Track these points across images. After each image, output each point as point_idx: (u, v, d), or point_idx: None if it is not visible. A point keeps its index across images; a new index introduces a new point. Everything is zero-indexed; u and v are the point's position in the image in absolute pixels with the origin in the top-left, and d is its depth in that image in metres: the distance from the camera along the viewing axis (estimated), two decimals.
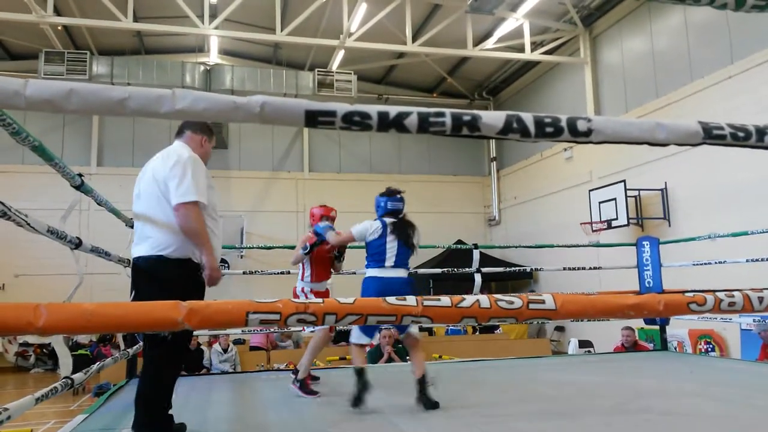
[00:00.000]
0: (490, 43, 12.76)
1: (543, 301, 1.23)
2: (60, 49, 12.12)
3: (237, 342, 10.62)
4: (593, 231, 11.26)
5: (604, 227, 10.99)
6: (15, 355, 12.55)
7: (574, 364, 5.89)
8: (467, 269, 6.73)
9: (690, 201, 9.74)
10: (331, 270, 4.77)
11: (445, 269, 7.72)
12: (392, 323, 1.21)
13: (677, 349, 9.08)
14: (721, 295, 1.31)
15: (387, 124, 1.16)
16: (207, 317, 1.10)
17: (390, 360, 7.23)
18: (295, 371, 4.27)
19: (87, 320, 1.05)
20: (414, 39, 12.39)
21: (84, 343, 12.06)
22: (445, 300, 1.20)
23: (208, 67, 13.24)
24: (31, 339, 12.20)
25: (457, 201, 16.54)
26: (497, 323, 7.42)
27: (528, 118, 1.21)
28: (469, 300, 1.20)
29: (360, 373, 3.64)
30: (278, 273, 6.52)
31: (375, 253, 3.84)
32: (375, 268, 3.81)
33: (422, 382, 3.59)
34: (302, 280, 4.61)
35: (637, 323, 8.22)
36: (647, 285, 6.50)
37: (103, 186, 5.00)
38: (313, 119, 1.12)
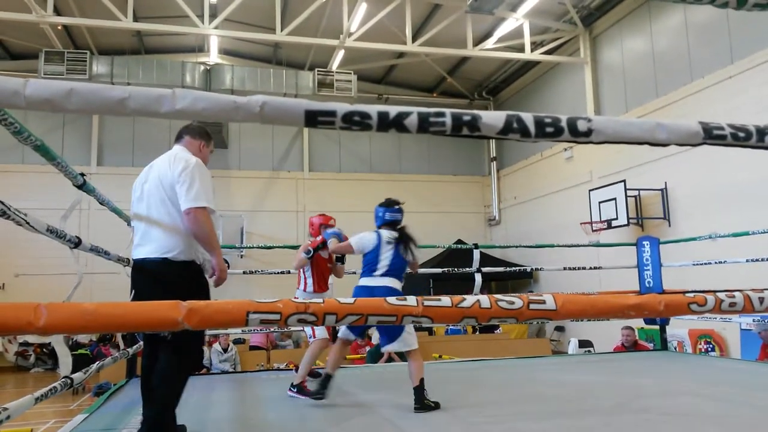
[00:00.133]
0: (490, 43, 12.76)
1: (543, 302, 1.23)
2: (60, 48, 12.11)
3: (237, 342, 10.63)
4: (593, 231, 11.26)
5: (604, 227, 10.99)
6: (15, 354, 12.55)
7: (574, 364, 5.90)
8: (467, 269, 6.73)
9: (690, 201, 9.74)
10: (331, 276, 4.75)
11: (446, 269, 7.72)
12: (392, 323, 1.20)
13: (677, 348, 9.08)
14: (721, 295, 1.31)
15: (387, 124, 1.16)
16: (207, 317, 1.10)
17: (390, 360, 7.24)
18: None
19: (87, 320, 1.05)
20: (414, 39, 12.39)
21: (84, 343, 12.06)
22: (446, 300, 1.20)
23: (208, 67, 13.24)
24: (31, 339, 12.20)
25: (457, 201, 16.54)
26: (497, 323, 7.35)
27: (528, 118, 1.21)
28: (469, 300, 1.20)
29: (327, 377, 3.79)
30: (278, 273, 6.52)
31: (368, 263, 3.89)
32: (365, 277, 3.87)
33: (418, 391, 3.57)
34: (304, 290, 4.57)
35: (637, 323, 8.22)
36: (647, 285, 6.50)
37: (103, 185, 4.99)
38: (313, 119, 1.12)
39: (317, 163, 15.97)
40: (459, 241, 13.64)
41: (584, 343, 10.14)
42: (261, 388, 4.70)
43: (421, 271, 10.59)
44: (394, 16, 11.96)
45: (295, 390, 4.06)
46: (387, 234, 3.91)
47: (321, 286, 4.57)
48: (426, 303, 1.19)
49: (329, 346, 4.23)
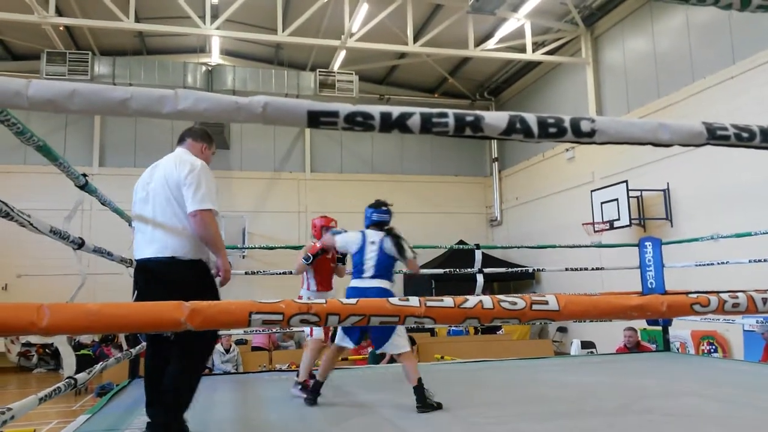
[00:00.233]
0: (491, 43, 12.75)
1: (546, 302, 1.22)
2: (62, 49, 12.13)
3: (239, 342, 10.63)
4: (595, 231, 11.25)
5: (607, 228, 10.98)
6: (18, 355, 12.57)
7: (576, 365, 5.89)
8: (469, 270, 6.72)
9: (692, 201, 9.73)
10: (334, 276, 4.80)
11: (447, 270, 7.72)
12: (395, 324, 1.20)
13: (680, 350, 9.06)
14: (724, 296, 1.31)
15: (390, 124, 1.16)
16: (210, 317, 1.10)
17: (392, 361, 7.23)
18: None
19: (90, 320, 1.05)
20: (415, 39, 12.39)
21: (86, 344, 12.08)
22: (448, 301, 1.20)
23: (210, 68, 13.25)
24: (34, 339, 12.22)
25: (458, 201, 16.53)
26: (500, 324, 7.37)
27: (531, 118, 1.20)
28: (472, 301, 1.20)
29: (318, 385, 3.83)
30: (280, 273, 6.52)
31: (356, 264, 3.95)
32: (355, 278, 3.91)
33: (418, 390, 3.57)
34: (308, 289, 4.63)
35: (640, 324, 8.21)
36: (650, 286, 6.49)
37: (105, 186, 5.00)
38: (316, 120, 1.12)
39: (319, 164, 15.98)
40: (461, 242, 13.64)
41: (587, 344, 10.13)
42: (263, 388, 4.71)
43: (423, 271, 10.60)
44: (396, 17, 11.96)
45: (300, 388, 4.09)
46: (372, 234, 3.95)
47: (324, 285, 4.63)
48: (428, 303, 1.19)
49: (328, 346, 4.25)
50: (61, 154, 2.85)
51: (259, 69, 13.79)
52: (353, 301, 1.18)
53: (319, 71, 13.24)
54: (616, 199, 10.71)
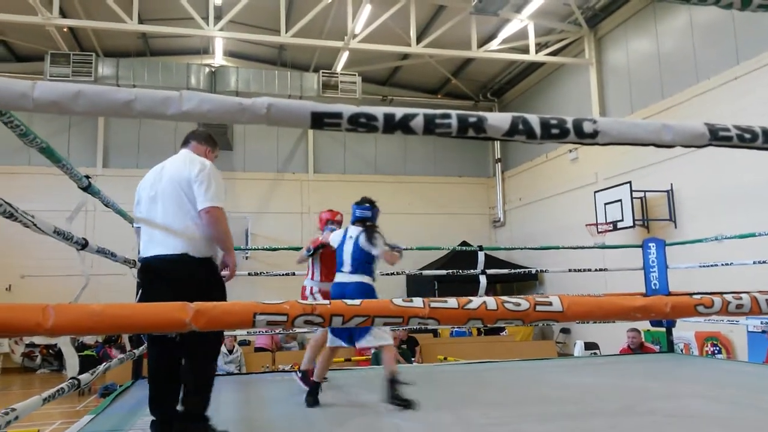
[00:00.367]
0: (494, 44, 12.74)
1: (550, 303, 1.22)
2: (65, 51, 12.17)
3: (242, 343, 10.63)
4: (599, 233, 11.23)
5: (610, 229, 10.96)
6: (21, 356, 12.61)
7: (579, 366, 5.88)
8: (472, 271, 6.72)
9: (696, 202, 9.70)
10: None
11: (450, 271, 7.71)
12: (398, 325, 1.21)
13: (684, 351, 9.04)
14: (728, 297, 1.30)
15: (393, 125, 1.16)
16: (214, 318, 1.10)
17: (395, 362, 7.21)
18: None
19: (95, 321, 1.05)
20: (418, 40, 12.39)
21: (90, 344, 12.11)
22: (452, 301, 1.20)
23: (213, 69, 13.28)
24: (38, 340, 12.25)
25: (461, 202, 16.52)
26: (503, 325, 7.34)
27: (534, 119, 1.21)
28: (476, 302, 1.20)
29: (317, 386, 3.86)
30: (283, 274, 6.53)
31: (338, 259, 4.08)
32: (338, 273, 4.04)
33: (391, 384, 3.62)
34: (312, 279, 4.76)
35: (644, 325, 8.18)
36: (653, 287, 6.47)
37: (109, 187, 5.01)
38: (320, 121, 1.12)
39: (322, 165, 15.99)
40: (464, 243, 13.65)
41: (590, 346, 10.10)
42: (266, 389, 4.71)
43: (426, 272, 10.59)
44: (399, 18, 11.97)
45: (300, 375, 4.16)
46: (353, 230, 4.06)
47: (328, 276, 4.71)
48: (432, 304, 1.19)
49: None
50: (64, 155, 2.86)
51: (262, 70, 13.82)
52: (357, 302, 1.18)
53: (322, 72, 13.26)
54: (620, 200, 10.70)
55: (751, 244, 6.54)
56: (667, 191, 10.20)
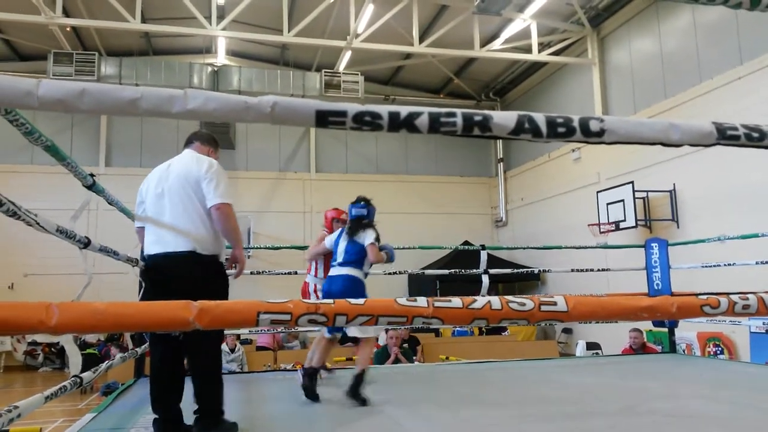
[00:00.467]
0: (497, 43, 12.73)
1: (555, 303, 1.22)
2: (68, 50, 12.19)
3: (244, 342, 10.64)
4: (601, 233, 11.21)
5: (612, 229, 10.95)
6: (24, 354, 12.64)
7: (581, 366, 5.87)
8: (474, 270, 6.71)
9: (699, 202, 9.69)
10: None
11: (452, 270, 7.70)
12: (402, 324, 1.20)
13: (686, 351, 9.02)
14: (735, 297, 1.30)
15: (398, 124, 1.15)
16: (218, 317, 1.10)
17: (397, 361, 7.23)
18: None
19: (98, 319, 1.05)
20: (421, 40, 12.38)
21: (92, 342, 12.12)
22: (456, 301, 1.20)
23: (216, 68, 13.28)
24: (40, 338, 12.28)
25: (463, 202, 16.51)
26: (506, 325, 7.36)
27: (540, 118, 1.20)
28: (480, 301, 1.20)
29: (313, 371, 3.97)
30: (286, 273, 6.53)
31: (333, 256, 4.22)
32: (331, 267, 4.18)
33: (357, 378, 3.71)
34: (315, 276, 4.82)
35: (646, 325, 8.18)
36: (656, 287, 6.46)
37: (112, 186, 5.01)
38: (324, 119, 1.12)
39: (324, 164, 15.99)
40: (466, 243, 13.63)
41: (592, 346, 10.10)
42: (268, 388, 4.71)
43: (428, 272, 10.59)
44: (401, 17, 11.96)
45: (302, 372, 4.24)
46: (347, 227, 4.20)
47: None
48: (437, 304, 1.19)
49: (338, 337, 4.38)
50: (67, 154, 2.86)
51: (264, 69, 13.82)
52: (361, 301, 1.18)
53: (325, 72, 13.26)
54: (622, 200, 10.68)
55: (754, 244, 6.53)
56: (670, 191, 10.19)
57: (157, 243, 2.99)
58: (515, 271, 10.58)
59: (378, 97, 15.60)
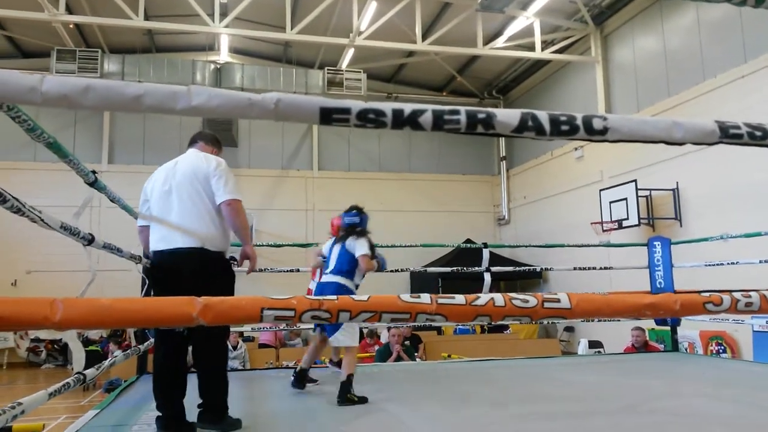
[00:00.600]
0: (500, 41, 12.71)
1: (558, 300, 1.22)
2: (72, 47, 12.20)
3: (246, 339, 10.66)
4: (604, 231, 11.20)
5: (615, 227, 10.93)
6: (27, 350, 12.67)
7: (583, 365, 5.87)
8: (476, 268, 6.71)
9: (701, 201, 9.67)
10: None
11: (454, 268, 7.70)
12: (406, 321, 1.20)
13: (688, 350, 9.01)
14: (737, 295, 1.30)
15: (401, 121, 1.15)
16: (222, 313, 1.10)
17: (399, 359, 7.23)
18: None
19: (103, 315, 1.05)
20: (424, 37, 12.37)
21: (95, 339, 12.16)
22: (460, 298, 1.20)
23: (219, 66, 13.29)
24: (43, 335, 12.31)
25: (466, 200, 16.50)
26: (508, 323, 7.39)
27: (543, 116, 1.20)
28: (483, 298, 1.20)
29: (304, 372, 4.13)
30: (288, 270, 6.54)
31: (325, 263, 4.28)
32: (324, 274, 4.24)
33: (344, 385, 3.72)
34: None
35: (648, 324, 8.16)
36: (658, 285, 6.46)
37: (114, 183, 5.02)
38: (328, 116, 1.12)
39: (326, 162, 16.00)
40: (468, 241, 13.62)
41: (594, 344, 10.10)
42: (270, 385, 4.72)
43: (430, 269, 10.60)
44: (404, 15, 11.95)
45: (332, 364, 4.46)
46: (339, 235, 4.25)
47: None
48: (440, 301, 1.19)
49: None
50: (70, 151, 2.86)
51: (267, 67, 13.82)
52: (364, 297, 1.18)
53: (328, 69, 13.26)
54: (625, 199, 10.67)
55: (757, 243, 6.51)
56: (673, 190, 10.17)
57: (164, 240, 3.00)
58: (517, 269, 10.58)
59: (380, 94, 15.59)
